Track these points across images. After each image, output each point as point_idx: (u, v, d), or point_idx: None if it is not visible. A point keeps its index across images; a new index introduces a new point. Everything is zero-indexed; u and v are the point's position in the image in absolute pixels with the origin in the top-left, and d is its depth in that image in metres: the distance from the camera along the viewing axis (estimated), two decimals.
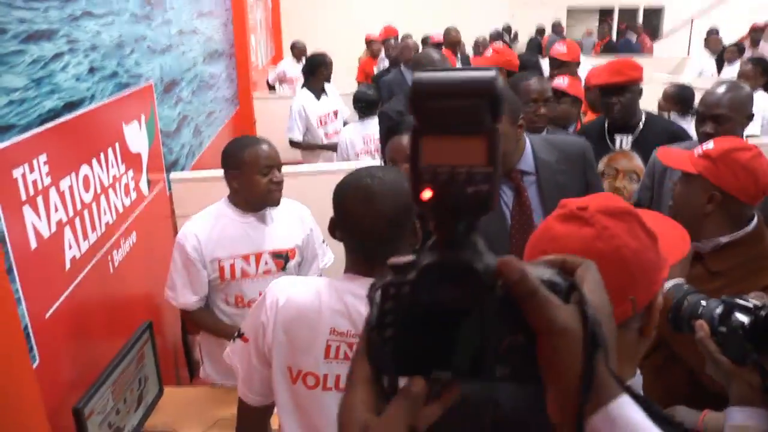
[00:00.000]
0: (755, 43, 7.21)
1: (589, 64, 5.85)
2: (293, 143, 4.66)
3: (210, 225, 2.17)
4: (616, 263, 0.85)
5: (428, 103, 0.48)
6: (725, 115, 2.27)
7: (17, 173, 1.62)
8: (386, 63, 6.49)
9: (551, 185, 2.05)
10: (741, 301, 1.17)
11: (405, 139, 2.18)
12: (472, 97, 0.47)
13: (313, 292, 1.36)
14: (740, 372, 1.15)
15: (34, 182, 1.70)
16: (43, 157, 1.75)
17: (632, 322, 0.88)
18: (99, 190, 2.17)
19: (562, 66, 3.88)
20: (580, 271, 0.61)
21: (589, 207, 0.89)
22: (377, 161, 3.94)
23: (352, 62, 7.92)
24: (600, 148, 2.76)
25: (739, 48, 6.75)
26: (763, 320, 1.14)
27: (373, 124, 4.04)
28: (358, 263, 1.36)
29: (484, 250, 0.55)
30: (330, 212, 1.38)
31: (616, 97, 2.66)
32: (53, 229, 1.79)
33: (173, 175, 3.08)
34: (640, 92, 2.75)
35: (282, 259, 2.20)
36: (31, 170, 1.69)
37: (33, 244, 1.67)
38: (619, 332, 0.86)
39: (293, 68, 7.17)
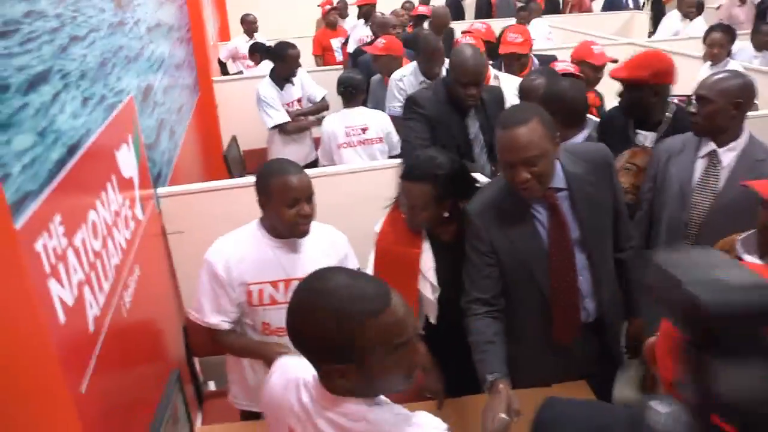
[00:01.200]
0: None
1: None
2: (281, 127, 4.49)
3: (240, 247, 2.10)
4: None
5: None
6: (707, 97, 2.35)
7: (39, 245, 1.46)
8: (359, 34, 6.22)
9: (583, 198, 2.03)
10: None
11: (417, 187, 2.09)
12: None
13: (294, 384, 1.32)
14: None
15: (54, 249, 1.54)
16: (57, 218, 1.60)
17: None
18: (106, 233, 2.01)
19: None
20: None
21: None
22: (362, 157, 3.84)
23: (303, 32, 7.56)
24: (622, 142, 2.74)
25: (698, 4, 6.76)
26: None
27: (358, 114, 3.91)
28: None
29: None
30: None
31: (633, 93, 2.65)
32: (75, 293, 1.65)
33: (161, 190, 2.91)
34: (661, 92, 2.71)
35: None
36: (50, 237, 1.53)
37: (62, 319, 1.53)
38: None
39: (245, 45, 6.87)
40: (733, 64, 4.41)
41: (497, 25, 5.10)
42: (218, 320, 2.13)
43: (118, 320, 2.00)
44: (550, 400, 1.21)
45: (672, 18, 7.08)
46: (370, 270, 2.24)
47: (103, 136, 2.14)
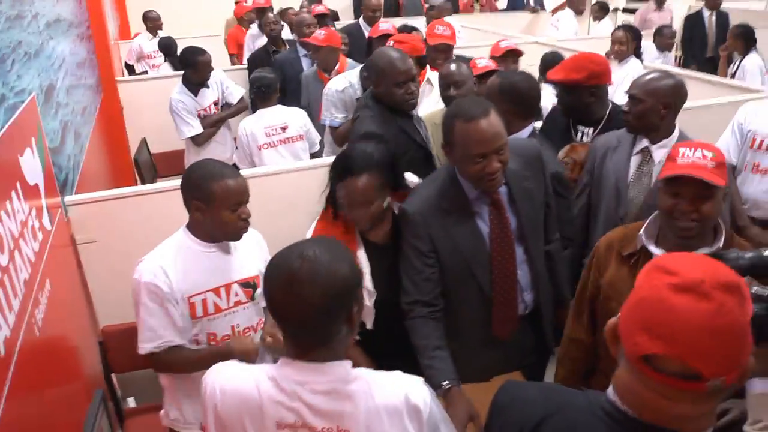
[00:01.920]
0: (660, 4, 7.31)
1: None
2: (196, 138, 4.31)
3: (172, 259, 1.97)
4: (731, 335, 0.91)
5: None
6: (638, 97, 2.44)
7: None
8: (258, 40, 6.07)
9: (520, 192, 2.07)
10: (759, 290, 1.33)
11: (361, 181, 2.01)
12: None
13: (250, 383, 1.28)
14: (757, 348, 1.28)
15: None
16: None
17: (721, 386, 0.93)
18: (12, 246, 1.84)
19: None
20: None
21: (705, 281, 0.92)
22: (284, 156, 3.74)
23: (209, 30, 7.27)
24: (563, 140, 2.82)
25: (601, 6, 7.06)
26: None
27: (275, 113, 3.80)
28: (291, 346, 1.29)
29: None
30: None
31: (570, 94, 2.72)
32: None
33: (69, 198, 2.70)
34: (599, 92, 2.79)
35: (250, 287, 2.08)
36: None
37: None
38: (702, 395, 0.93)
39: (149, 45, 6.57)
40: (634, 63, 4.62)
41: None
42: (177, 339, 1.98)
43: (30, 340, 1.83)
44: (506, 384, 1.24)
45: (567, 16, 7.36)
46: None
47: (5, 140, 1.96)
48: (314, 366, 1.25)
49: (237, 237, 2.02)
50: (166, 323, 1.95)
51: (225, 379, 1.31)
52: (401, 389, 1.28)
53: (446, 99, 3.09)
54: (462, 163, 1.96)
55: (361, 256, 2.16)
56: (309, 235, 2.22)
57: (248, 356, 1.94)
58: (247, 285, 2.08)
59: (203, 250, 2.01)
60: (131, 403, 2.99)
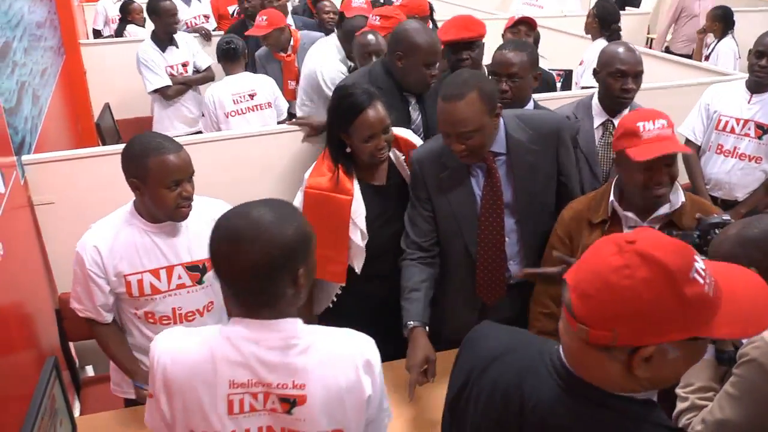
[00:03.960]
0: None
1: None
2: (161, 91, 4.18)
3: (113, 235, 1.89)
4: (611, 294, 0.91)
5: None
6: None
7: None
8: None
9: (522, 165, 2.09)
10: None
11: (374, 111, 2.09)
12: None
13: (201, 346, 1.27)
14: None
15: None
16: None
17: (615, 352, 0.94)
18: None
19: None
20: None
21: (636, 242, 0.93)
22: (252, 122, 3.67)
23: None
24: None
25: None
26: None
27: (244, 79, 3.72)
28: (237, 306, 1.27)
29: None
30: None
31: (467, 52, 2.66)
32: None
33: (26, 158, 2.61)
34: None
35: (198, 271, 1.99)
36: None
37: None
38: (601, 354, 0.94)
39: (113, 8, 6.36)
40: (601, 43, 4.55)
41: None
42: (95, 314, 1.97)
43: None
44: (482, 323, 1.29)
45: None
46: None
47: None
48: (265, 323, 1.24)
49: (178, 218, 1.90)
50: (86, 296, 1.94)
51: (175, 346, 1.29)
52: (354, 345, 1.30)
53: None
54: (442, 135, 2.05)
55: (357, 198, 2.19)
56: (306, 176, 2.25)
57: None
58: (195, 268, 1.98)
59: (145, 229, 1.92)
60: (90, 372, 2.95)
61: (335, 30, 3.60)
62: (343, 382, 1.25)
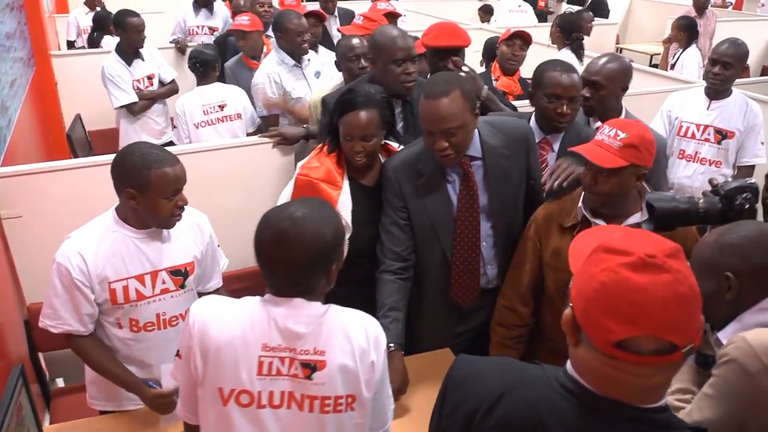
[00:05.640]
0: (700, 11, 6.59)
1: None
2: (127, 107, 4.17)
3: (96, 242, 1.90)
4: (693, 299, 0.94)
5: None
6: (599, 83, 2.44)
7: None
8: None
9: (497, 169, 2.14)
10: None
11: (362, 116, 2.12)
12: None
13: (242, 311, 1.42)
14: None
15: None
16: None
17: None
18: None
19: None
20: None
21: (656, 254, 0.94)
22: (221, 133, 3.69)
23: (160, 7, 7.01)
24: None
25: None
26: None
27: (214, 90, 3.74)
28: (275, 290, 1.42)
29: None
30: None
31: (455, 58, 2.67)
32: None
33: None
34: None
35: (181, 275, 2.00)
36: None
37: None
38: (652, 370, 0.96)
39: (85, 19, 6.35)
40: (565, 53, 4.65)
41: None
42: (77, 326, 1.94)
43: None
44: (460, 359, 1.23)
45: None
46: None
47: None
48: (298, 303, 1.41)
49: (170, 225, 1.95)
50: (67, 308, 1.91)
51: (217, 309, 1.43)
52: (368, 323, 1.48)
53: (362, 70, 2.99)
54: (423, 135, 2.08)
55: (345, 192, 2.22)
56: (300, 164, 2.30)
57: (154, 408, 1.93)
58: (177, 273, 2.01)
59: (130, 236, 1.94)
60: (61, 383, 2.93)
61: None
62: (357, 350, 1.41)
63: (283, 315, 1.39)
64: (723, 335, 1.42)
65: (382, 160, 2.30)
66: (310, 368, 1.38)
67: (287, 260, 1.36)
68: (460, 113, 1.96)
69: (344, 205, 2.21)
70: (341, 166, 2.25)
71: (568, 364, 1.05)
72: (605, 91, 2.44)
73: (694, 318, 0.95)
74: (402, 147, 2.34)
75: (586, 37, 5.54)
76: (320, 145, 2.33)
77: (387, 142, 2.32)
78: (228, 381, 1.38)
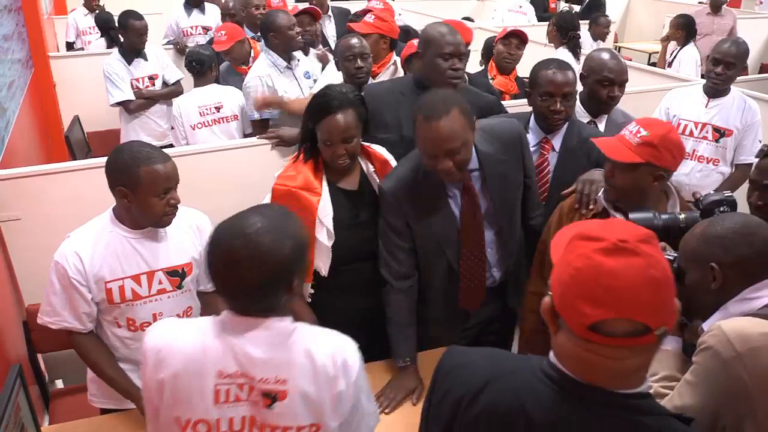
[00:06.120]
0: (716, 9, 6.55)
1: None
2: (123, 104, 4.17)
3: (93, 242, 1.91)
4: (665, 283, 0.96)
5: None
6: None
7: None
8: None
9: (495, 176, 2.12)
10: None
11: (340, 118, 2.09)
12: None
13: (195, 336, 1.35)
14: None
15: None
16: None
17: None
18: None
19: None
20: None
21: (628, 239, 0.96)
22: (218, 134, 3.69)
23: (159, 8, 7.00)
24: None
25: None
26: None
27: (211, 91, 3.73)
28: (233, 309, 1.34)
29: None
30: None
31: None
32: None
33: None
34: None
35: (178, 276, 2.00)
36: None
37: None
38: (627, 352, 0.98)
39: (84, 20, 6.34)
40: (561, 52, 4.65)
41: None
42: (75, 323, 1.95)
43: None
44: (450, 349, 1.25)
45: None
46: None
47: None
48: (257, 321, 1.32)
49: (165, 224, 1.94)
50: (65, 306, 1.92)
51: (169, 335, 1.36)
52: (336, 347, 1.37)
53: (358, 69, 3.02)
54: (423, 156, 2.02)
55: (325, 198, 2.19)
56: (276, 174, 2.26)
57: None
58: (174, 273, 2.01)
59: (127, 236, 1.94)
60: (60, 385, 2.93)
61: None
62: (322, 378, 1.33)
63: (241, 339, 1.31)
64: (707, 325, 1.45)
65: (360, 162, 2.27)
66: (271, 398, 1.31)
67: (240, 282, 1.27)
68: (462, 131, 1.92)
69: (324, 212, 2.18)
70: (319, 172, 2.22)
71: (551, 352, 1.08)
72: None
73: (666, 301, 0.97)
74: (376, 146, 2.33)
75: (601, 41, 5.59)
76: (296, 154, 2.28)
77: (365, 144, 2.27)
78: (184, 410, 1.32)
